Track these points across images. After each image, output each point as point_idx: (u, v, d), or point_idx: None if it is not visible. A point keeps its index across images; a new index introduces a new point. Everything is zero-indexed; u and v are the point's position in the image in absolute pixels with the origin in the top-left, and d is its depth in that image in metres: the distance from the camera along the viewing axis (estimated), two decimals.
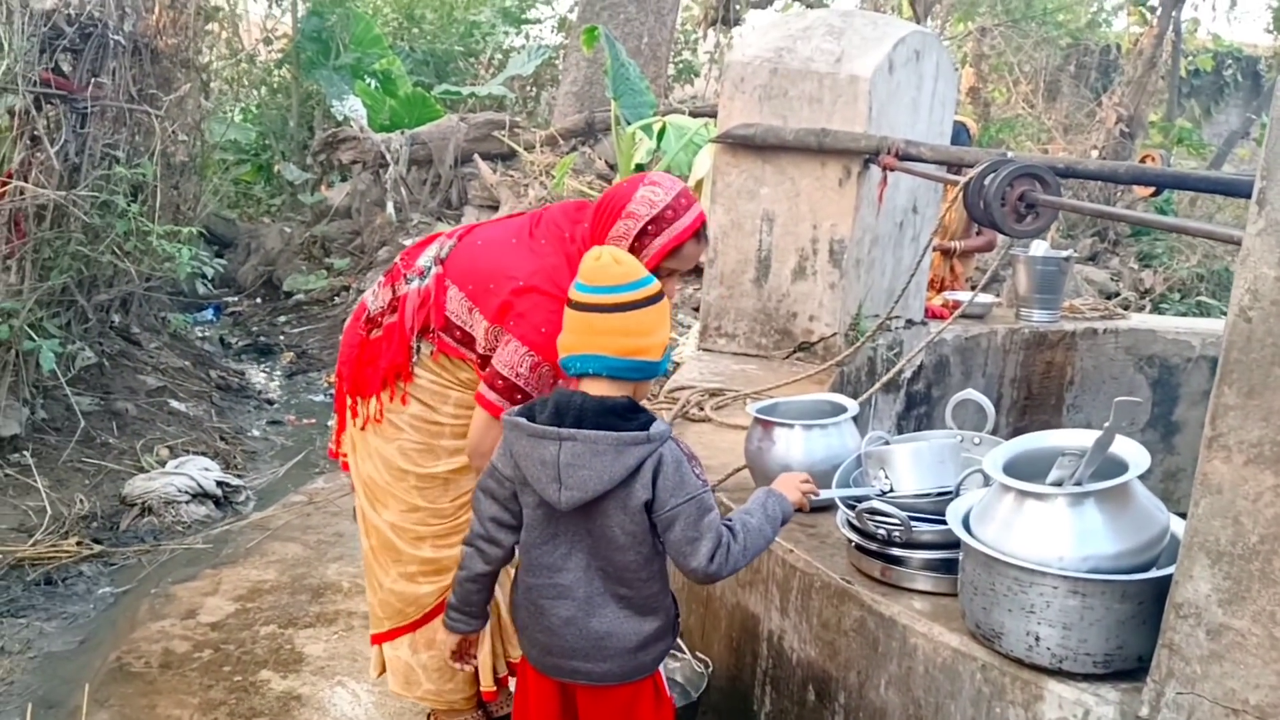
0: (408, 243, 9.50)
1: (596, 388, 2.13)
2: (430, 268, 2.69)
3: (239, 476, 5.49)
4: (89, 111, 5.39)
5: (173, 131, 6.46)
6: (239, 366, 7.98)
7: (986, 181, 3.15)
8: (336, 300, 9.46)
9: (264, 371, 8.13)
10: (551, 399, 2.15)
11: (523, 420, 2.14)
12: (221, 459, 5.66)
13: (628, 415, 2.10)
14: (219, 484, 5.19)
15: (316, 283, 9.76)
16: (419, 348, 2.70)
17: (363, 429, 2.83)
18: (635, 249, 2.49)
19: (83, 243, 5.42)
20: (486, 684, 2.97)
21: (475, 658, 2.53)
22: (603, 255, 2.15)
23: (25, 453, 5.08)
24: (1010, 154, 3.37)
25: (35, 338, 4.94)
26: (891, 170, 4.05)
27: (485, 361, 2.60)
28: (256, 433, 6.52)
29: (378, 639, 3.01)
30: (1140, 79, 12.51)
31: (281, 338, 8.97)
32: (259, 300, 10.04)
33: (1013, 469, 2.08)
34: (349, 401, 2.87)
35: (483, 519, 2.25)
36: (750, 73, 4.37)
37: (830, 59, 4.25)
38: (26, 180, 4.94)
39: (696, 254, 2.62)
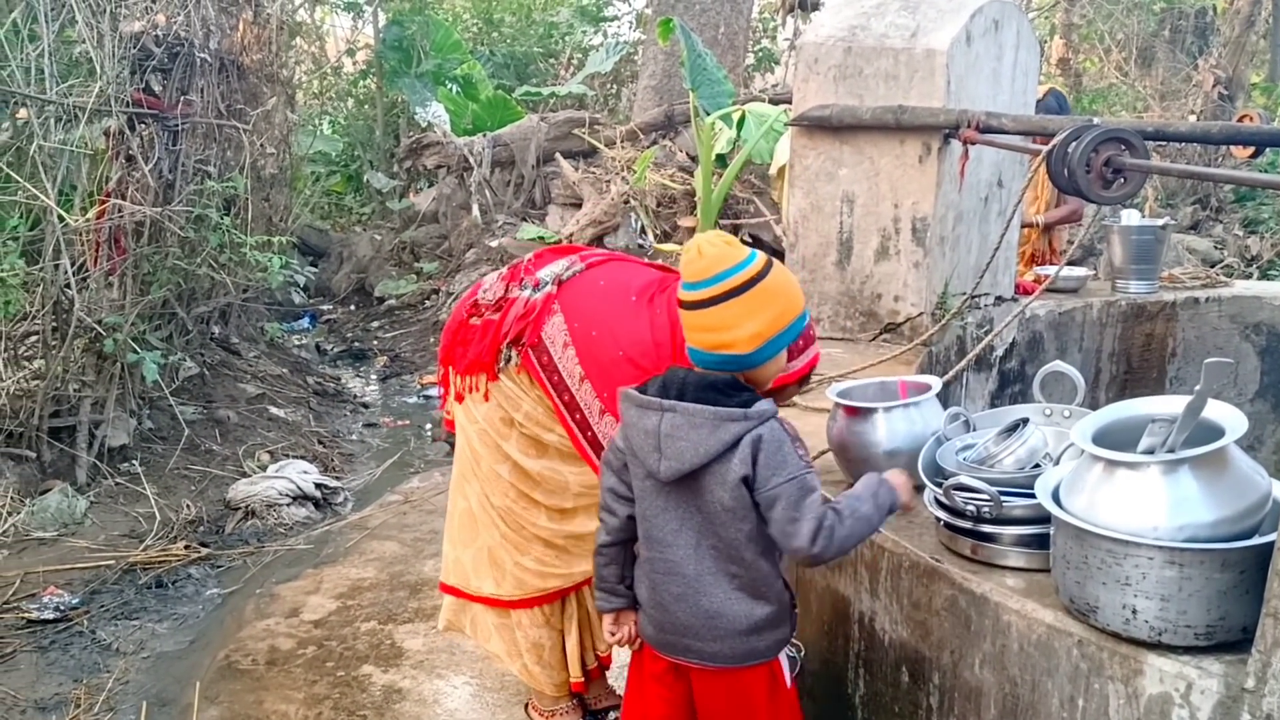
0: (493, 244, 9.64)
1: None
2: (548, 284, 2.71)
3: (337, 478, 5.62)
4: (180, 129, 5.56)
5: (261, 145, 6.62)
6: (335, 372, 8.17)
7: (1070, 149, 3.06)
8: (427, 304, 9.61)
9: (359, 376, 8.31)
10: (664, 375, 2.20)
11: (633, 391, 2.20)
12: (320, 462, 5.79)
13: (729, 392, 2.13)
14: (318, 486, 5.31)
15: (407, 287, 9.93)
16: (509, 355, 2.73)
17: (457, 400, 2.90)
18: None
19: (180, 256, 5.59)
20: (575, 674, 2.99)
21: (632, 640, 2.41)
22: (692, 247, 2.17)
23: (134, 461, 5.26)
24: (1095, 120, 3.27)
25: (139, 350, 5.10)
26: (972, 144, 3.96)
27: (560, 391, 2.68)
28: (353, 435, 6.66)
29: (449, 590, 3.06)
30: (1238, 39, 12.10)
31: (375, 342, 9.15)
32: (352, 307, 10.26)
33: (1103, 439, 2.01)
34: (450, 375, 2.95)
35: (603, 489, 2.32)
36: (824, 53, 4.32)
37: (905, 34, 4.18)
38: (124, 198, 5.10)
39: (791, 394, 2.63)
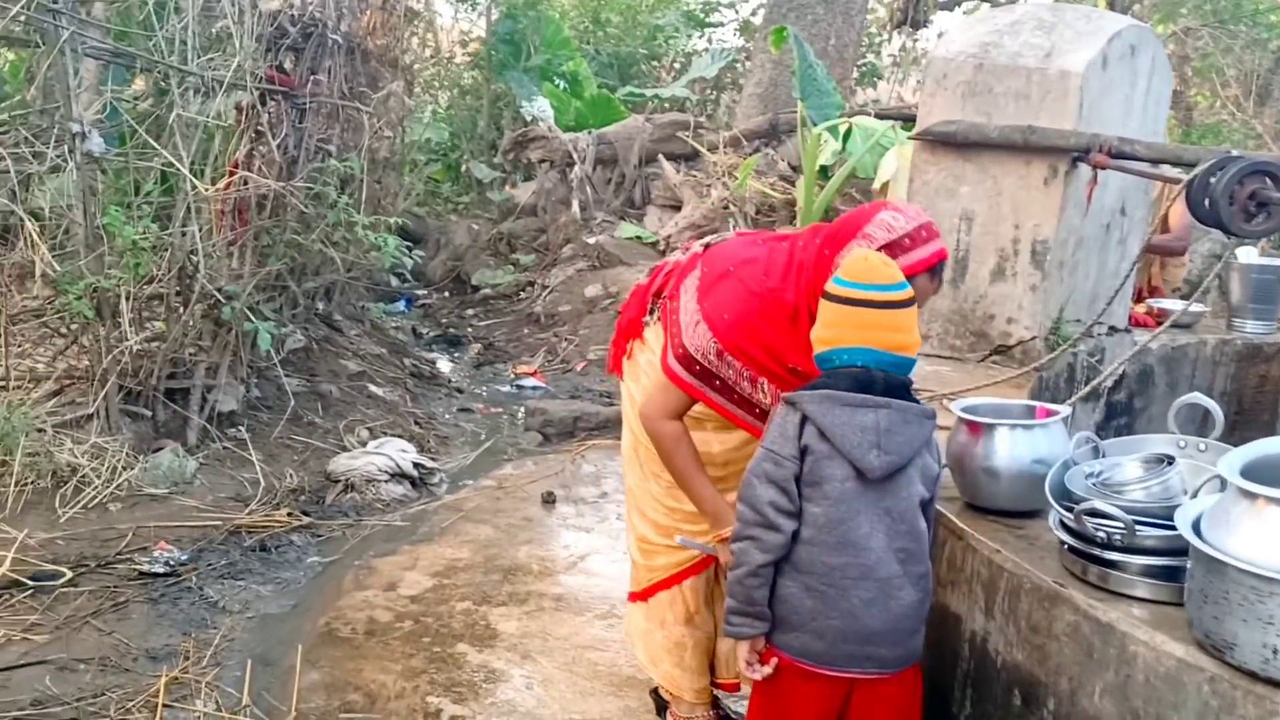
0: (591, 240, 9.72)
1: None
2: (697, 248, 2.78)
3: (433, 459, 5.71)
4: (307, 107, 5.70)
5: (379, 128, 6.76)
6: (430, 355, 8.29)
7: (1213, 180, 3.01)
8: (522, 295, 9.72)
9: (453, 361, 8.43)
10: (846, 376, 2.25)
11: (835, 391, 2.23)
12: (416, 442, 5.89)
13: (912, 392, 2.29)
14: (415, 465, 5.41)
15: (503, 278, 10.05)
16: (653, 309, 2.77)
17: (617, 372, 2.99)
18: None
19: (296, 231, 5.73)
20: (727, 675, 2.98)
21: (769, 664, 2.36)
22: (870, 257, 2.28)
23: (241, 428, 5.41)
24: (1235, 152, 3.22)
25: (253, 319, 5.24)
26: (1103, 169, 3.91)
27: None
28: (448, 419, 6.76)
29: (632, 597, 3.08)
30: None
31: (469, 330, 9.28)
32: (448, 294, 10.41)
33: (1248, 475, 1.99)
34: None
35: (758, 504, 2.25)
36: (953, 68, 4.29)
37: (1039, 54, 4.14)
38: (250, 171, 5.25)
39: (928, 290, 2.51)
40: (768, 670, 2.33)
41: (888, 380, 2.24)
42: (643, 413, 2.64)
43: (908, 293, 2.25)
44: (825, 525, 2.23)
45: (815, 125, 8.68)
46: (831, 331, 2.27)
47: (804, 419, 2.25)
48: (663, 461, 2.68)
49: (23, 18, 4.39)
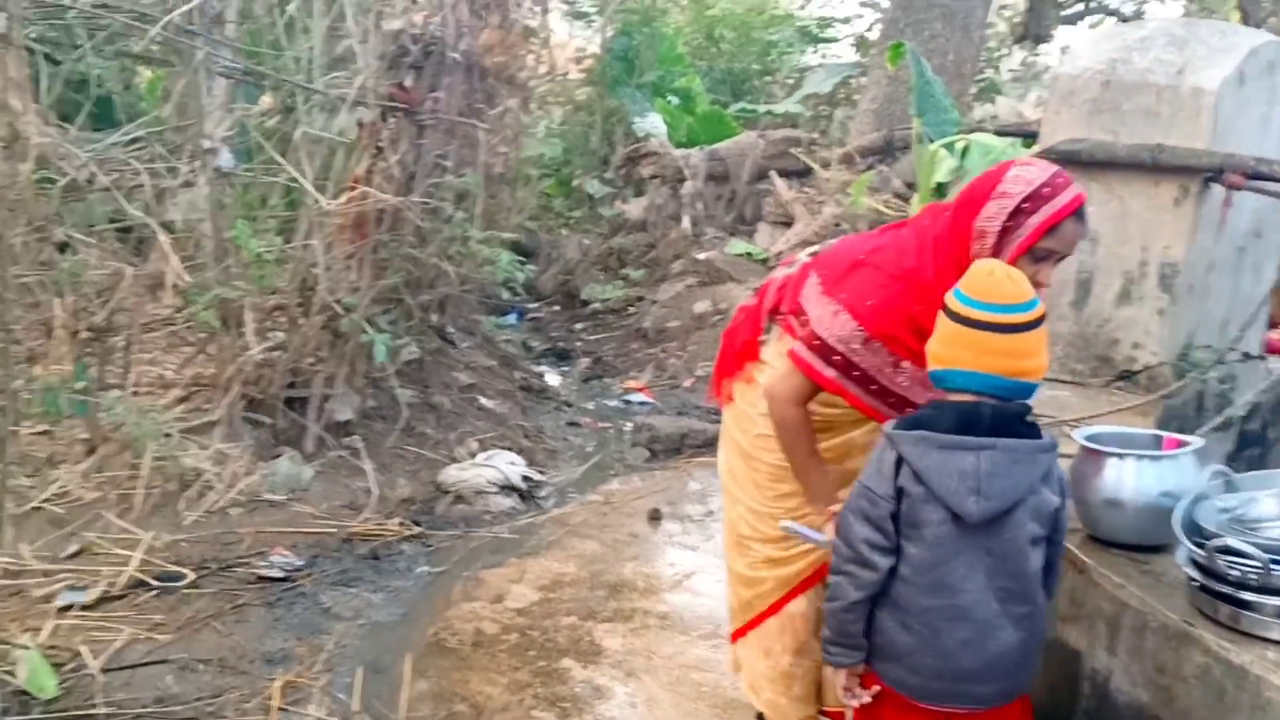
0: (700, 256, 9.71)
1: (963, 401, 2.14)
2: (802, 259, 2.75)
3: (541, 473, 5.76)
4: (426, 124, 5.81)
5: (494, 144, 6.85)
6: (540, 369, 8.37)
7: None
8: (631, 310, 9.75)
9: (562, 375, 8.49)
10: (952, 410, 2.13)
11: (931, 433, 2.11)
12: (525, 455, 5.94)
13: (1029, 423, 2.13)
14: (524, 478, 5.46)
15: (613, 293, 10.09)
16: (769, 328, 2.74)
17: (721, 410, 2.95)
18: (1007, 230, 2.34)
19: (413, 245, 5.84)
20: (835, 704, 2.92)
21: (866, 691, 2.34)
22: (995, 270, 2.13)
23: (356, 437, 5.52)
24: None
25: (370, 331, 5.36)
26: (1238, 189, 3.76)
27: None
28: (556, 432, 6.81)
29: (735, 635, 3.03)
30: None
31: (578, 344, 9.34)
32: (558, 307, 10.50)
33: None
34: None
35: (853, 541, 2.20)
36: (1080, 85, 4.18)
37: (1171, 70, 4.00)
38: (371, 186, 5.37)
39: (1076, 235, 2.41)
40: (866, 697, 2.31)
41: (996, 414, 2.10)
42: (771, 395, 2.59)
43: (1034, 313, 2.10)
44: (920, 567, 2.16)
45: (931, 142, 8.52)
46: (947, 350, 2.14)
47: (900, 459, 2.16)
48: (783, 447, 2.64)
49: (161, 38, 4.57)
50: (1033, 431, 2.13)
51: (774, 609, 2.84)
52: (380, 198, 5.33)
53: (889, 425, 2.21)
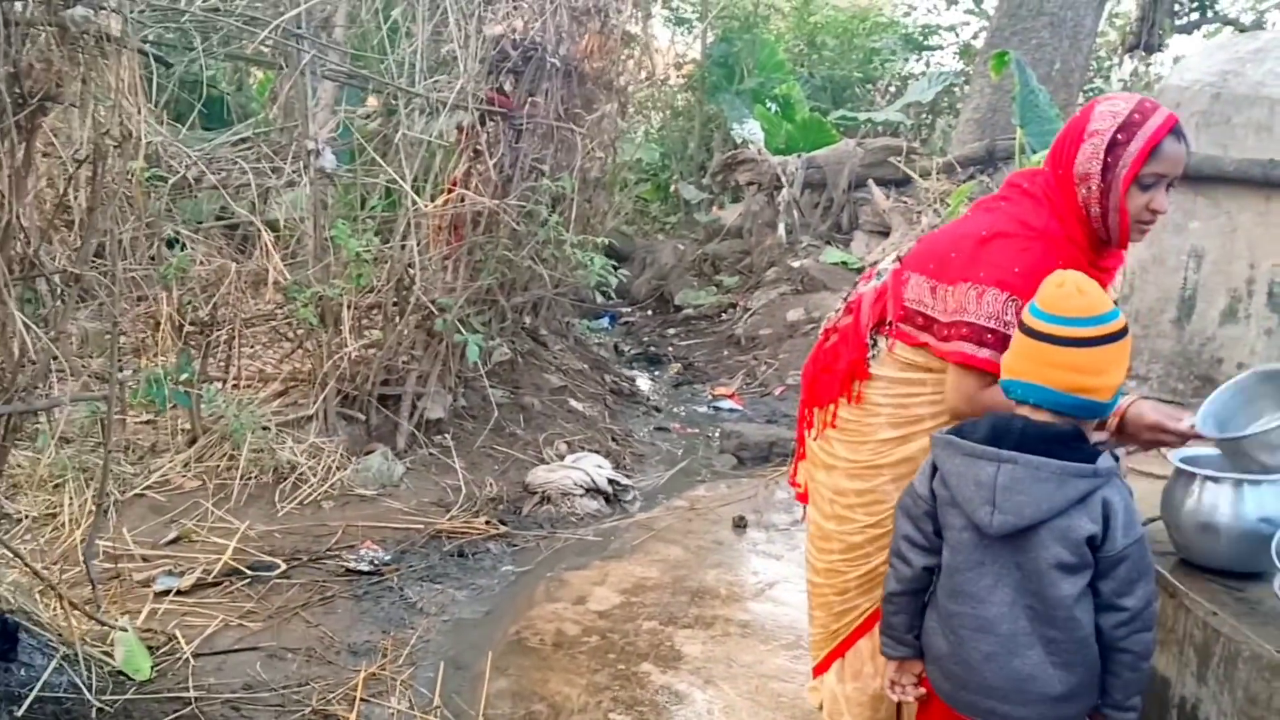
0: (795, 264, 9.65)
1: (1037, 416, 2.07)
2: (888, 267, 2.69)
3: (628, 476, 5.78)
4: (523, 128, 5.88)
5: (590, 149, 6.91)
6: (630, 373, 8.40)
7: None
8: (724, 316, 9.74)
9: (652, 379, 8.51)
10: (987, 421, 2.11)
11: (958, 439, 2.11)
12: (613, 458, 5.97)
13: (1072, 444, 2.03)
14: (610, 481, 5.48)
15: (706, 299, 10.10)
16: (875, 343, 2.68)
17: (815, 439, 2.81)
18: (1108, 166, 2.30)
19: (508, 248, 5.91)
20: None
21: (910, 691, 2.34)
22: (1066, 282, 2.06)
23: (447, 435, 5.61)
24: None
25: (463, 331, 5.44)
26: None
27: (951, 331, 2.44)
28: (644, 436, 6.83)
29: (817, 671, 2.93)
30: None
31: (670, 349, 9.35)
32: (650, 312, 10.54)
33: None
34: (807, 416, 2.88)
35: (897, 536, 2.25)
36: (1188, 98, 4.04)
37: None
38: (468, 189, 5.46)
39: (1179, 154, 2.32)
40: (908, 695, 2.33)
41: (1028, 428, 2.04)
42: (955, 410, 2.46)
43: (1104, 328, 2.02)
44: (946, 570, 2.17)
45: (1035, 153, 8.34)
46: (1015, 361, 2.10)
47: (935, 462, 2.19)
48: None
49: (270, 42, 4.70)
50: (1080, 454, 2.02)
51: (865, 628, 2.77)
52: (477, 200, 5.40)
53: (936, 431, 2.21)
